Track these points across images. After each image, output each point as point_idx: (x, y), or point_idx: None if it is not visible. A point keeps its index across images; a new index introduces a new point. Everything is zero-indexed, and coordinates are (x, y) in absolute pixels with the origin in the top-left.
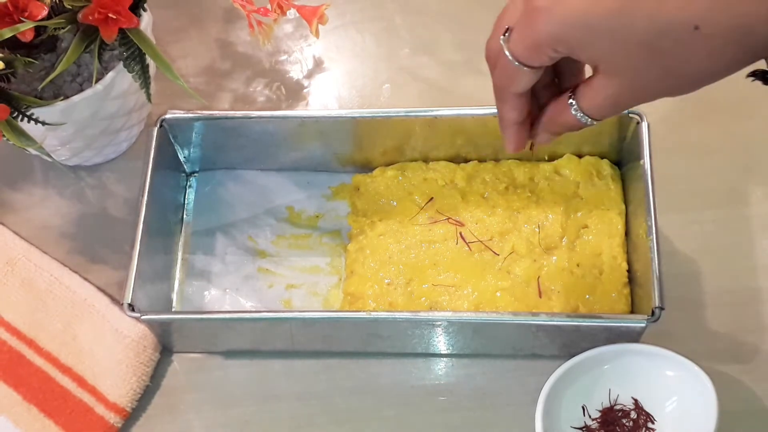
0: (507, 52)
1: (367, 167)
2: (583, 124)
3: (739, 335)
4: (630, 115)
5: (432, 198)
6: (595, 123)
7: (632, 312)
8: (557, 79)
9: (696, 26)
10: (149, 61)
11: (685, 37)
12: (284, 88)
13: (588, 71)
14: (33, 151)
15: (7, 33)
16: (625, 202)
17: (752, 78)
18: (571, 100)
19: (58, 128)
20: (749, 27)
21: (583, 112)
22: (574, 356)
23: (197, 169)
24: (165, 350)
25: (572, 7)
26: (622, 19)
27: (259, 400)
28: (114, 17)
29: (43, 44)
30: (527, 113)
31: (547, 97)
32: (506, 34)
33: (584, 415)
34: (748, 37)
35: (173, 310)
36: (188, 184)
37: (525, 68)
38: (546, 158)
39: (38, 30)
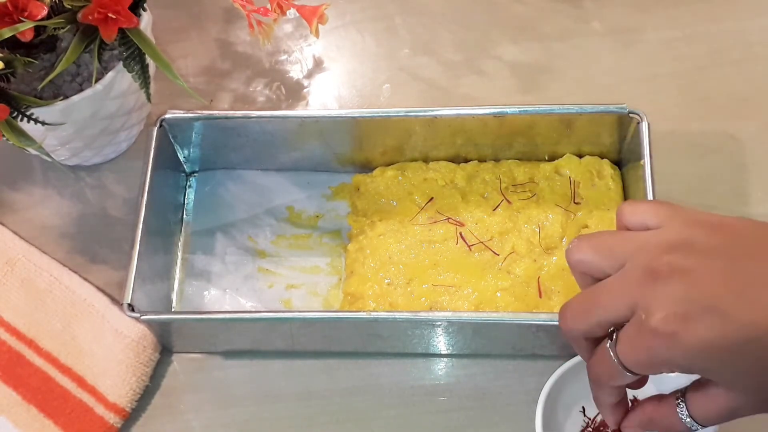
0: (614, 357)
1: (367, 167)
2: (685, 427)
3: None
4: (630, 115)
5: (432, 198)
6: (700, 429)
7: None
8: None
9: None
10: (149, 60)
11: None
12: (284, 88)
13: None
14: (33, 151)
15: (7, 33)
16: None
17: None
18: (679, 402)
19: (58, 128)
20: None
21: (693, 418)
22: (574, 356)
23: (197, 169)
24: (165, 350)
25: (695, 339)
26: (748, 350)
27: (259, 400)
28: (114, 17)
29: (43, 44)
30: (624, 395)
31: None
32: (614, 338)
33: (584, 415)
34: None
35: (173, 310)
36: (188, 184)
37: (629, 373)
38: (546, 158)
39: (38, 30)
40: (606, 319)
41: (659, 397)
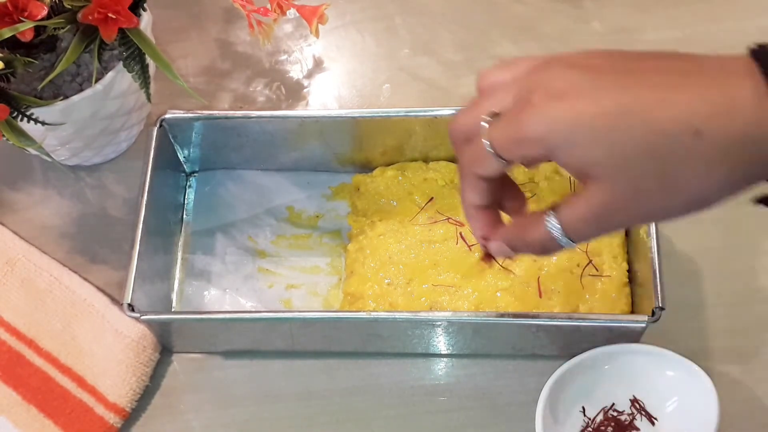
0: (486, 138)
1: (367, 167)
2: (553, 242)
3: (739, 335)
4: None
5: (432, 198)
6: (573, 244)
7: (632, 312)
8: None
9: (697, 131)
10: (149, 60)
11: (686, 142)
12: (284, 88)
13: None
14: (33, 151)
15: (7, 33)
16: None
17: (760, 204)
18: (548, 216)
19: (58, 128)
20: (754, 138)
21: (561, 226)
22: (574, 356)
23: (197, 169)
24: (165, 350)
25: (568, 110)
26: (621, 121)
27: (259, 400)
28: (114, 17)
29: (43, 44)
30: (490, 200)
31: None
32: (492, 118)
33: (584, 415)
34: (751, 150)
35: (173, 310)
36: (188, 184)
37: (498, 158)
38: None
39: (38, 30)
40: (491, 110)
41: (528, 214)
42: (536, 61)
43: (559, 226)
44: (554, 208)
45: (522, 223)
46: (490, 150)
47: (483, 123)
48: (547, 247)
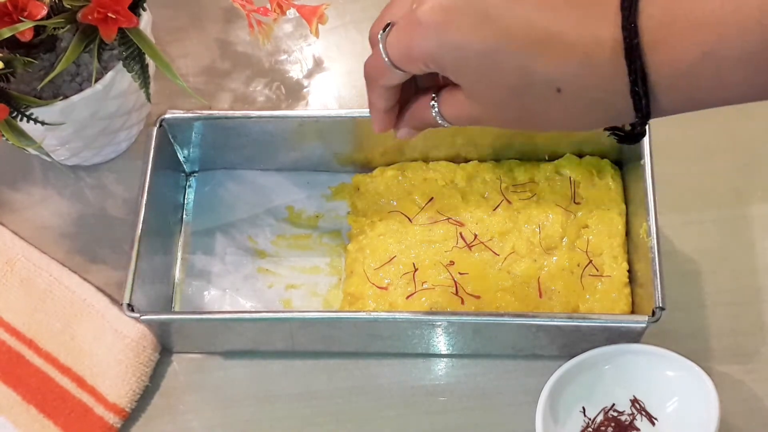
0: (382, 49)
1: (367, 167)
2: (440, 125)
3: (739, 335)
4: None
5: (432, 198)
6: (451, 126)
7: (633, 312)
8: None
9: (559, 89)
10: (149, 60)
11: (547, 95)
12: (284, 88)
13: None
14: (32, 151)
15: (7, 33)
16: (626, 202)
17: (608, 133)
18: (433, 103)
19: (58, 128)
20: (608, 99)
21: (443, 117)
22: (574, 356)
23: (197, 169)
24: (164, 350)
25: (451, 34)
26: (495, 60)
27: (259, 400)
28: (113, 17)
29: (43, 44)
30: (395, 102)
31: (424, 88)
32: (386, 29)
33: (584, 415)
34: (606, 107)
35: (173, 310)
36: (188, 184)
37: (396, 69)
38: (546, 158)
39: (37, 30)
40: (387, 21)
41: (420, 95)
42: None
43: (439, 116)
44: (437, 97)
45: (414, 111)
46: (388, 61)
47: (379, 36)
48: (434, 126)
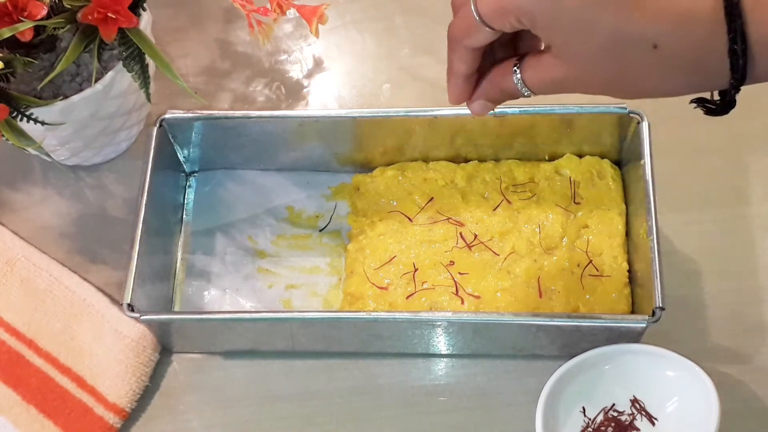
0: (472, 6)
1: (367, 167)
2: (521, 94)
3: (739, 335)
4: (630, 114)
5: (432, 198)
6: (532, 95)
7: (633, 312)
8: (516, 41)
9: (655, 45)
10: (149, 60)
11: (643, 52)
12: (284, 88)
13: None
14: (32, 151)
15: (7, 33)
16: (626, 202)
17: (694, 105)
18: (515, 68)
19: (58, 128)
20: (704, 59)
21: (524, 83)
22: (574, 356)
23: (197, 169)
24: (164, 350)
25: None
26: (591, 15)
27: (259, 400)
28: (113, 17)
29: (43, 44)
30: (476, 68)
31: (501, 60)
32: None
33: (584, 415)
34: (701, 67)
35: (173, 310)
36: (188, 184)
37: (485, 27)
38: (546, 158)
39: (37, 30)
40: None
41: (500, 64)
42: None
43: (522, 84)
44: (519, 63)
45: (494, 78)
46: (477, 18)
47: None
48: (515, 95)
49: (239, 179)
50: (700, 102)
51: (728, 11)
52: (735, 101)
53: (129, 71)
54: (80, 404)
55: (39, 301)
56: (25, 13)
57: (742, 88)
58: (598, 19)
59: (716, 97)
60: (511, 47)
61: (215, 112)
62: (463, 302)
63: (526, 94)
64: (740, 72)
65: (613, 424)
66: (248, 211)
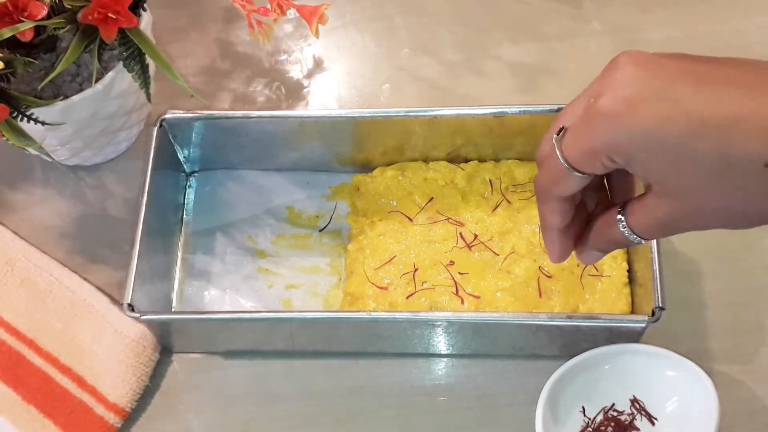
0: (558, 153)
1: (367, 167)
2: (631, 242)
3: (739, 335)
4: None
5: (432, 198)
6: (643, 242)
7: (632, 312)
8: (608, 189)
9: (766, 164)
10: (149, 60)
11: (753, 173)
12: (284, 88)
13: (640, 186)
14: (33, 151)
15: (7, 33)
16: None
17: None
18: (620, 216)
19: (58, 128)
20: None
21: (632, 230)
22: (574, 356)
23: (197, 169)
24: (164, 350)
25: (640, 121)
26: (691, 144)
27: (259, 400)
28: (114, 17)
29: (43, 44)
30: (570, 219)
31: (595, 206)
32: (560, 134)
33: (584, 415)
34: None
35: (173, 310)
36: (188, 184)
37: (574, 173)
38: None
39: (38, 30)
40: (561, 125)
41: (605, 208)
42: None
43: (630, 231)
44: (623, 210)
45: (599, 228)
46: (565, 164)
47: (554, 139)
48: (624, 244)
49: (239, 179)
50: None
51: None
52: None
53: (129, 71)
54: (80, 404)
55: (39, 301)
56: (26, 14)
57: None
58: (698, 147)
59: None
60: (603, 194)
61: (215, 112)
62: (463, 302)
63: (636, 241)
64: None
65: (612, 424)
66: (248, 211)
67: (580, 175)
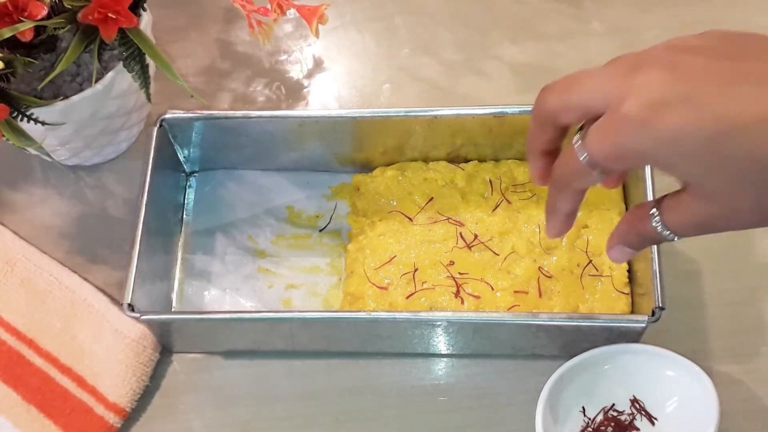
0: (582, 151)
1: (367, 167)
2: (662, 238)
3: (739, 335)
4: None
5: (432, 198)
6: (676, 239)
7: (632, 312)
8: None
9: None
10: (149, 60)
11: None
12: (284, 88)
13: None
14: (33, 151)
15: (7, 33)
16: (625, 202)
17: None
18: (654, 211)
19: (58, 128)
20: None
21: (666, 226)
22: (574, 356)
23: (197, 169)
24: (165, 350)
25: (666, 127)
26: (719, 147)
27: (259, 400)
28: (114, 17)
29: (43, 44)
30: (579, 205)
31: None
32: (582, 130)
33: (584, 415)
34: None
35: (173, 310)
36: (188, 184)
37: (598, 171)
38: None
39: (38, 30)
40: (580, 102)
41: (637, 206)
42: (629, 60)
43: (663, 227)
44: (658, 205)
45: (631, 222)
46: (587, 164)
47: (576, 138)
48: (656, 240)
49: (239, 179)
50: None
51: None
52: None
53: (129, 71)
54: (80, 404)
55: (39, 301)
56: (26, 14)
57: None
58: (728, 149)
59: None
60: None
61: (215, 112)
62: (463, 302)
63: (669, 238)
64: None
65: (612, 424)
66: (248, 211)
67: (602, 173)
